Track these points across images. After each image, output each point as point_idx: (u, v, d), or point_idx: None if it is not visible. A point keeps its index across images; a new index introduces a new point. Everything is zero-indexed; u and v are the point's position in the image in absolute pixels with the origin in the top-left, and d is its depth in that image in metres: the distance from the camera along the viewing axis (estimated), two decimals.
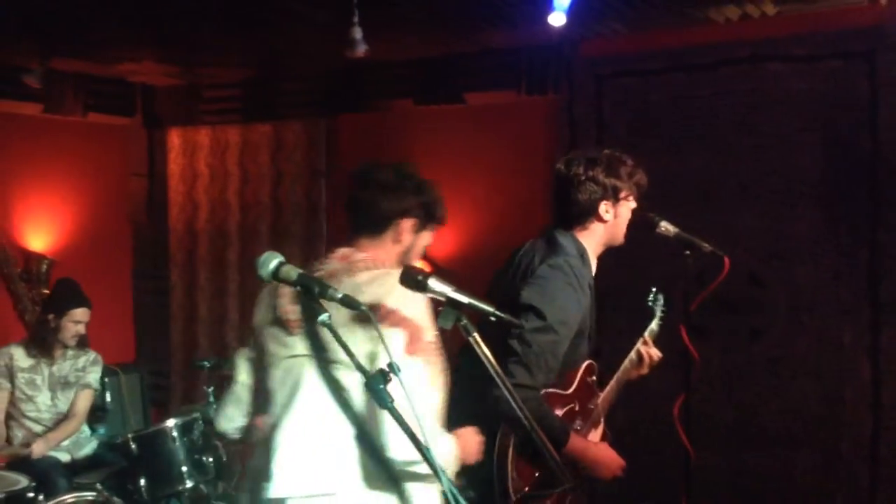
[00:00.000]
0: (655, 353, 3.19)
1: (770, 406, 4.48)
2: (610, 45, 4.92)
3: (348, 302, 2.06)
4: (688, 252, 3.19)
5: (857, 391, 4.31)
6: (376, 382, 1.95)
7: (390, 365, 1.98)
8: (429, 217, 2.44)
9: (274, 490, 2.28)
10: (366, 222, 2.39)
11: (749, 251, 4.49)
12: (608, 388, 3.07)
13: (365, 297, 2.17)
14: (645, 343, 3.21)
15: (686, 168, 4.69)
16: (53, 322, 4.67)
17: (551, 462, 2.31)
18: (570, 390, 2.86)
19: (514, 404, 2.16)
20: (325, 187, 5.93)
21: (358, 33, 4.07)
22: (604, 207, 2.89)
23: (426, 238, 2.48)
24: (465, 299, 2.11)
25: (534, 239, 2.96)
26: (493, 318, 2.15)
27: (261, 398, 2.44)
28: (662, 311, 3.37)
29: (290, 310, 2.33)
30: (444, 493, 1.91)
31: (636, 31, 4.79)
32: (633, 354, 3.18)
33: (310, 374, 2.29)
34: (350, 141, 5.91)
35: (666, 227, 3.17)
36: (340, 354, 2.08)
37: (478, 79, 5.32)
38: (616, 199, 2.91)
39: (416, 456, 1.99)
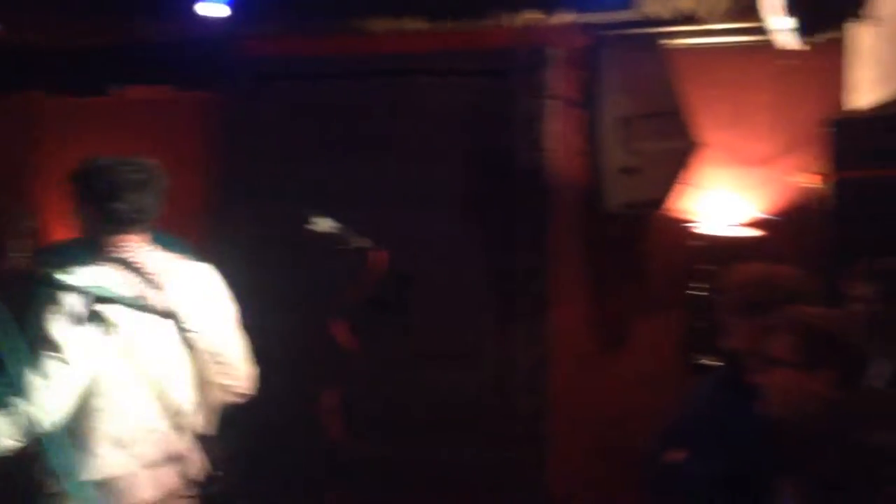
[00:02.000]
0: None
1: (421, 397, 4.73)
2: (273, 47, 4.92)
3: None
4: (339, 247, 3.32)
5: (489, 379, 4.73)
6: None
7: None
8: None
9: (125, 465, 2.51)
10: (137, 217, 2.64)
11: (400, 252, 4.70)
12: None
13: (196, 280, 2.74)
14: None
15: (338, 172, 4.83)
16: None
17: None
18: None
19: None
20: None
21: None
22: None
23: None
24: (109, 294, 2.41)
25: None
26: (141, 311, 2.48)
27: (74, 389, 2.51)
28: None
29: (100, 308, 2.47)
30: None
31: (300, 35, 4.85)
32: None
33: (139, 352, 2.55)
34: None
35: (315, 223, 3.27)
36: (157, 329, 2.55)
37: (128, 71, 5.05)
38: None
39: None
